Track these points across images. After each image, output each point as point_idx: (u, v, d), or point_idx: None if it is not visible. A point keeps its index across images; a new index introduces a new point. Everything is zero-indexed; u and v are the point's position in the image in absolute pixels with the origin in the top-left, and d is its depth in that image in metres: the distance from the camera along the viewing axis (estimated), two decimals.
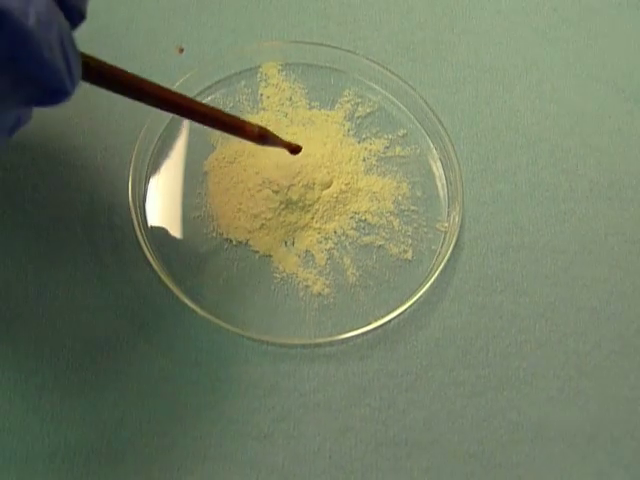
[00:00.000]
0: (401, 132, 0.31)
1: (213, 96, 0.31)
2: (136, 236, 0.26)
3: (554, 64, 0.34)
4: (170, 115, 0.29)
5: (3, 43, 0.12)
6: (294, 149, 0.26)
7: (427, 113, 0.30)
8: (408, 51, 0.33)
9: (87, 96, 0.30)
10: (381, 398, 0.26)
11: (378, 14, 0.34)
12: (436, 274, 0.27)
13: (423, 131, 0.31)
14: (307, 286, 0.27)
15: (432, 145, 0.31)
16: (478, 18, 0.34)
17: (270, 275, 0.27)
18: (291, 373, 0.26)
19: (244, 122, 0.23)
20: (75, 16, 0.14)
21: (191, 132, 0.29)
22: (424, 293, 0.27)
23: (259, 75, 0.31)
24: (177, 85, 0.29)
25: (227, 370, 0.25)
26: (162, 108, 0.20)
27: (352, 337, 0.26)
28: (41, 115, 0.29)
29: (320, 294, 0.27)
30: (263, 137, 0.23)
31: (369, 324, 0.26)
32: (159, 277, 0.25)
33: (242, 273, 0.27)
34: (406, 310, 0.27)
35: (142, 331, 0.26)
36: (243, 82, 0.31)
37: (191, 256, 0.27)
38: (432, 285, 0.27)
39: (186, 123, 0.30)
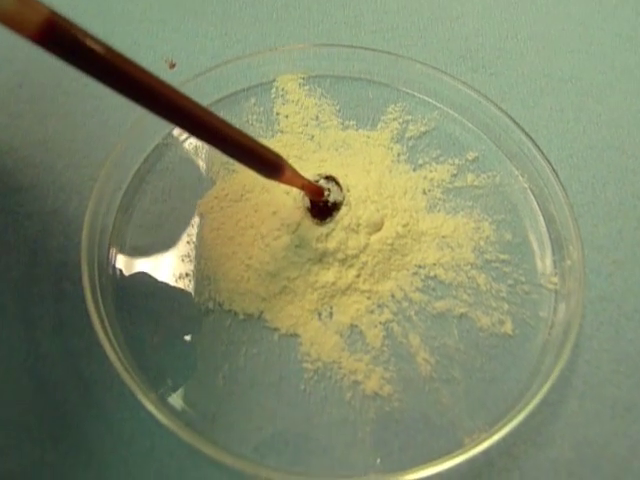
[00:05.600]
0: (471, 155, 0.23)
1: None
2: (90, 312, 0.18)
3: None
4: (151, 139, 0.22)
5: None
6: (316, 191, 0.19)
7: (508, 128, 0.23)
8: (465, 60, 0.27)
9: (43, 121, 0.24)
10: None
11: (421, 20, 0.29)
12: (560, 361, 0.17)
13: (500, 153, 0.23)
14: (356, 382, 0.19)
15: (516, 171, 0.22)
16: (544, 23, 0.30)
17: (297, 365, 0.19)
18: None
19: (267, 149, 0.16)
20: None
21: (181, 161, 0.22)
22: (544, 390, 0.17)
23: (274, 90, 0.25)
24: None
25: None
26: (152, 108, 0.14)
27: (436, 473, 0.17)
28: None
29: (377, 395, 0.19)
30: (277, 168, 0.17)
31: (462, 447, 0.17)
32: (123, 377, 0.17)
33: (253, 364, 0.19)
34: (519, 419, 0.17)
35: (93, 465, 0.17)
36: (253, 100, 0.24)
37: (174, 340, 0.19)
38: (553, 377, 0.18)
39: (174, 149, 0.22)
